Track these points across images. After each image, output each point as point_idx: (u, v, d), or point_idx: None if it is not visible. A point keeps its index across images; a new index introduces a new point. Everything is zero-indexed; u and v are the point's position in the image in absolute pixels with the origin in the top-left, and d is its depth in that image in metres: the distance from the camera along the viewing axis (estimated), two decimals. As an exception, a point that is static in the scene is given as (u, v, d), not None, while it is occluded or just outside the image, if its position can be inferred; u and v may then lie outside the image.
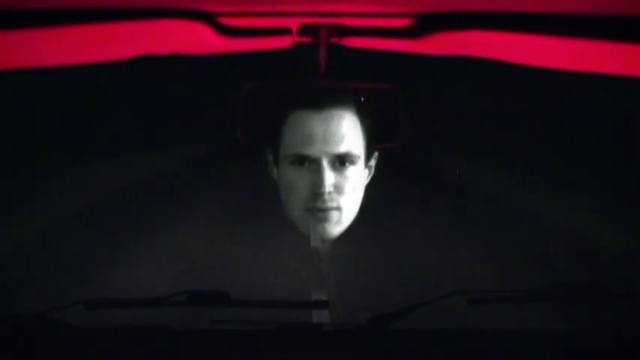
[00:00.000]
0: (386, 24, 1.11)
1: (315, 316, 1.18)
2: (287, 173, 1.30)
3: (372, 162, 1.37)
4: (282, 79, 1.37)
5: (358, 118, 1.30)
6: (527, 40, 1.06)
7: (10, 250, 1.88)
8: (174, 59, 1.22)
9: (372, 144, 1.33)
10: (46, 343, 1.06)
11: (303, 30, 1.15)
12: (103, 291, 1.30)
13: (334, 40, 1.18)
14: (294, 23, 1.13)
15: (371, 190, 1.36)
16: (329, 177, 1.27)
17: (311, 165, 1.27)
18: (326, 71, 1.29)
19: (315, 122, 1.27)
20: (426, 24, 1.06)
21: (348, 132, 1.28)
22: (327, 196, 1.27)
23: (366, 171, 1.35)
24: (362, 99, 1.32)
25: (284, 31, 1.15)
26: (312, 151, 1.26)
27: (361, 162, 1.31)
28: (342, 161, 1.28)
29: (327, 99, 1.28)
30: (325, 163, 1.26)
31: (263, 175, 1.40)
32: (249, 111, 1.31)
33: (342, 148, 1.27)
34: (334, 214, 1.29)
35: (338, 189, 1.28)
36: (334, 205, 1.28)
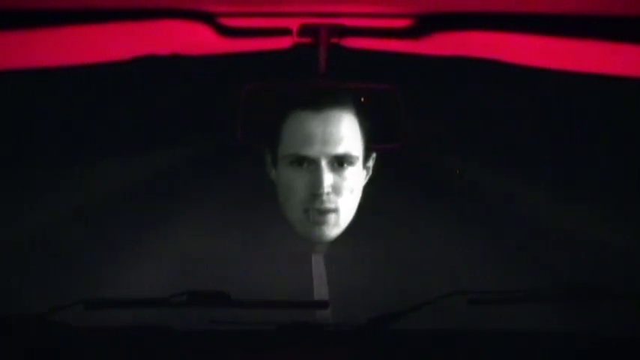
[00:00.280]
0: (386, 24, 1.11)
1: (315, 317, 1.18)
2: (285, 174, 1.30)
3: (370, 163, 1.37)
4: (282, 80, 1.37)
5: (357, 119, 1.30)
6: (527, 40, 1.06)
7: (10, 250, 1.88)
8: (174, 59, 1.22)
9: (370, 145, 1.33)
10: (46, 343, 1.06)
11: (303, 30, 1.15)
12: (103, 291, 1.31)
13: (334, 40, 1.18)
14: (294, 24, 1.13)
15: (369, 190, 1.36)
16: (327, 178, 1.26)
17: (310, 166, 1.27)
18: (326, 71, 1.28)
19: (314, 123, 1.26)
20: (426, 24, 1.06)
21: (346, 133, 1.28)
22: (325, 197, 1.27)
23: (365, 172, 1.35)
24: (362, 99, 1.32)
25: (284, 32, 1.15)
26: (310, 151, 1.26)
27: (359, 163, 1.31)
28: (340, 162, 1.28)
29: (326, 100, 1.28)
30: (324, 164, 1.26)
31: (263, 175, 1.40)
32: (249, 111, 1.31)
33: (341, 149, 1.27)
34: (332, 215, 1.29)
35: (336, 190, 1.28)
36: (332, 206, 1.28)
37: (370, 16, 1.11)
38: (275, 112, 1.31)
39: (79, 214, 2.30)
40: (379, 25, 1.12)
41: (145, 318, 1.10)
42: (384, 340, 1.08)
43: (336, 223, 1.30)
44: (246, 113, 1.30)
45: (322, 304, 1.14)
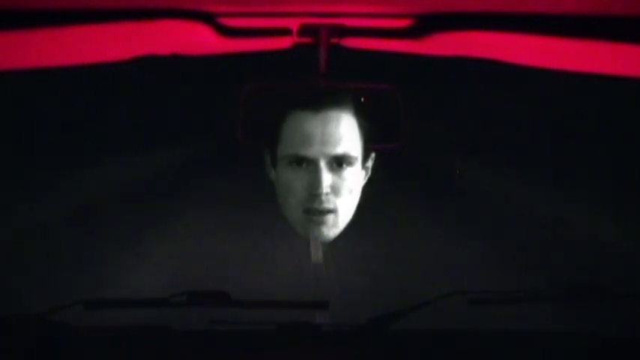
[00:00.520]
0: (386, 24, 1.11)
1: (315, 317, 1.18)
2: (284, 174, 1.30)
3: (369, 163, 1.37)
4: (282, 80, 1.36)
5: (356, 119, 1.30)
6: (527, 40, 1.06)
7: (10, 250, 1.88)
8: (174, 59, 1.22)
9: (369, 145, 1.33)
10: (46, 343, 1.06)
11: (304, 30, 1.15)
12: (103, 291, 1.31)
13: (334, 40, 1.18)
14: (294, 24, 1.13)
15: (368, 190, 1.36)
16: (326, 178, 1.26)
17: (308, 166, 1.27)
18: (326, 72, 1.28)
19: (313, 123, 1.26)
20: (426, 24, 1.06)
21: (345, 133, 1.28)
22: (324, 198, 1.27)
23: (363, 172, 1.35)
24: (362, 99, 1.32)
25: (284, 32, 1.15)
26: (309, 152, 1.26)
27: (358, 163, 1.31)
28: (339, 162, 1.28)
29: (325, 100, 1.28)
30: (323, 165, 1.26)
31: (263, 175, 1.40)
32: (249, 111, 1.31)
33: (340, 150, 1.27)
34: (331, 216, 1.29)
35: (335, 190, 1.28)
36: (331, 206, 1.28)
37: (370, 16, 1.11)
38: (275, 112, 1.31)
39: (79, 214, 2.30)
40: (379, 25, 1.12)
41: (145, 318, 1.10)
42: (384, 340, 1.07)
43: (335, 224, 1.30)
44: (246, 113, 1.30)
45: (322, 304, 1.14)
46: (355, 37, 1.17)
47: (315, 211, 1.28)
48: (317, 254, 1.34)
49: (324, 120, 1.26)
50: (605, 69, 1.15)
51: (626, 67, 1.13)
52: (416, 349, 1.06)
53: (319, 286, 1.33)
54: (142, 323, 1.08)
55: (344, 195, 1.29)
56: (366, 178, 1.37)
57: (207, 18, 1.05)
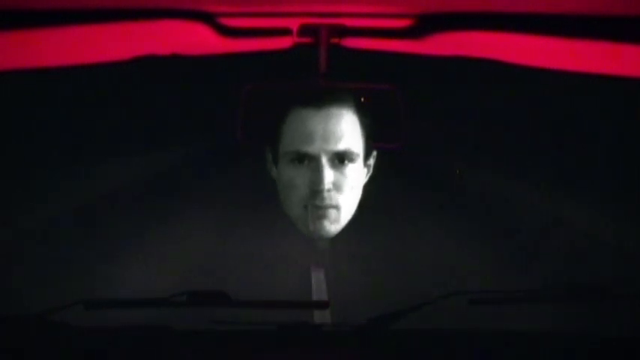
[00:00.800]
0: (386, 24, 1.11)
1: (315, 317, 1.18)
2: (286, 171, 1.30)
3: (371, 161, 1.37)
4: (282, 79, 1.36)
5: (358, 116, 1.30)
6: (527, 40, 1.06)
7: (10, 250, 1.88)
8: (174, 59, 1.22)
9: (371, 142, 1.33)
10: (46, 343, 1.06)
11: (304, 30, 1.15)
12: (103, 291, 1.31)
13: (334, 40, 1.18)
14: (294, 24, 1.13)
15: (370, 189, 1.36)
16: (328, 175, 1.26)
17: (310, 163, 1.27)
18: (326, 71, 1.28)
19: (314, 120, 1.26)
20: (426, 24, 1.06)
21: (347, 130, 1.28)
22: (325, 194, 1.27)
23: (365, 170, 1.35)
24: (362, 99, 1.32)
25: (284, 32, 1.15)
26: (311, 148, 1.26)
27: (360, 160, 1.31)
28: (341, 159, 1.28)
29: (326, 98, 1.28)
30: (324, 161, 1.26)
31: (263, 174, 1.40)
32: (249, 111, 1.31)
33: (342, 146, 1.27)
34: (332, 212, 1.29)
35: (337, 187, 1.28)
36: (333, 202, 1.28)
37: (370, 16, 1.11)
38: (275, 111, 1.31)
39: (79, 214, 2.30)
40: (379, 25, 1.12)
41: (145, 318, 1.10)
42: (384, 340, 1.07)
43: (337, 220, 1.30)
44: (246, 113, 1.30)
45: (322, 304, 1.14)
46: (355, 37, 1.17)
47: (317, 207, 1.27)
48: (317, 254, 1.34)
49: (325, 117, 1.26)
50: (605, 69, 1.15)
51: (626, 67, 1.13)
52: (416, 349, 1.06)
53: (319, 285, 1.33)
54: (142, 323, 1.08)
55: (346, 191, 1.29)
56: (368, 176, 1.37)
57: (207, 18, 1.05)
